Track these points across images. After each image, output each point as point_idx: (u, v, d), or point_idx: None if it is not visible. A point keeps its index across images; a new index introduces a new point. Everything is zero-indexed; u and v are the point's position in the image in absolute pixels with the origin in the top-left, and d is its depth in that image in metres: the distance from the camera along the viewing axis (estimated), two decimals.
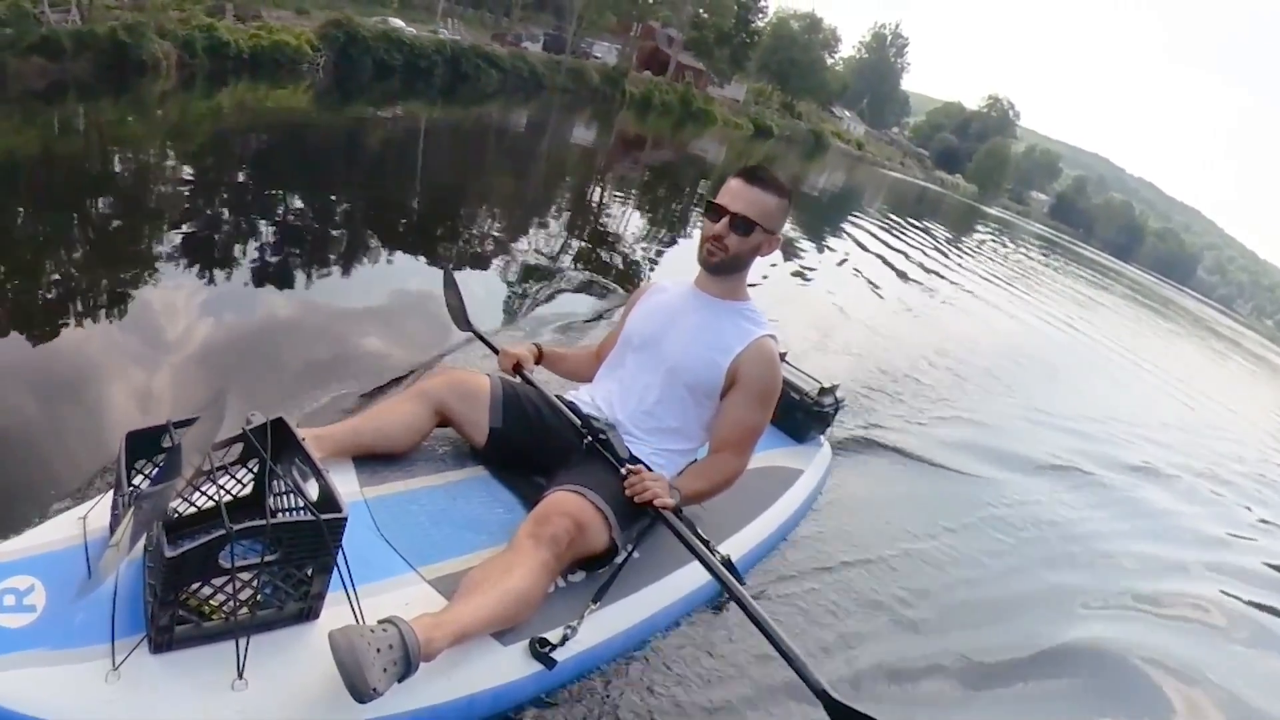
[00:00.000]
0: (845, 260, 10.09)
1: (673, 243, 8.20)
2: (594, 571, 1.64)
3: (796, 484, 2.46)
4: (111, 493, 1.27)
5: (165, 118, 9.87)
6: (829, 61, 56.20)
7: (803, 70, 51.30)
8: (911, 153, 79.60)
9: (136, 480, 1.26)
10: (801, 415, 2.71)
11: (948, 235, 19.92)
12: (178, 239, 4.49)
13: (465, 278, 4.41)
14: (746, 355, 1.70)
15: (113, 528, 1.21)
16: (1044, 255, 27.82)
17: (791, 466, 2.54)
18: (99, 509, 1.32)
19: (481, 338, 2.28)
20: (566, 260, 5.98)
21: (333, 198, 6.58)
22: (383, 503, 1.61)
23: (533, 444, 1.82)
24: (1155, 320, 20.35)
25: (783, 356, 2.86)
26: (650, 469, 1.69)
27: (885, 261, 11.16)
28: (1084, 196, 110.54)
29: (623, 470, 1.63)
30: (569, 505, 1.52)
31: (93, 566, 1.20)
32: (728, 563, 1.76)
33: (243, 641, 1.12)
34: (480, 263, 5.53)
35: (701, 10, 41.29)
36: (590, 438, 1.72)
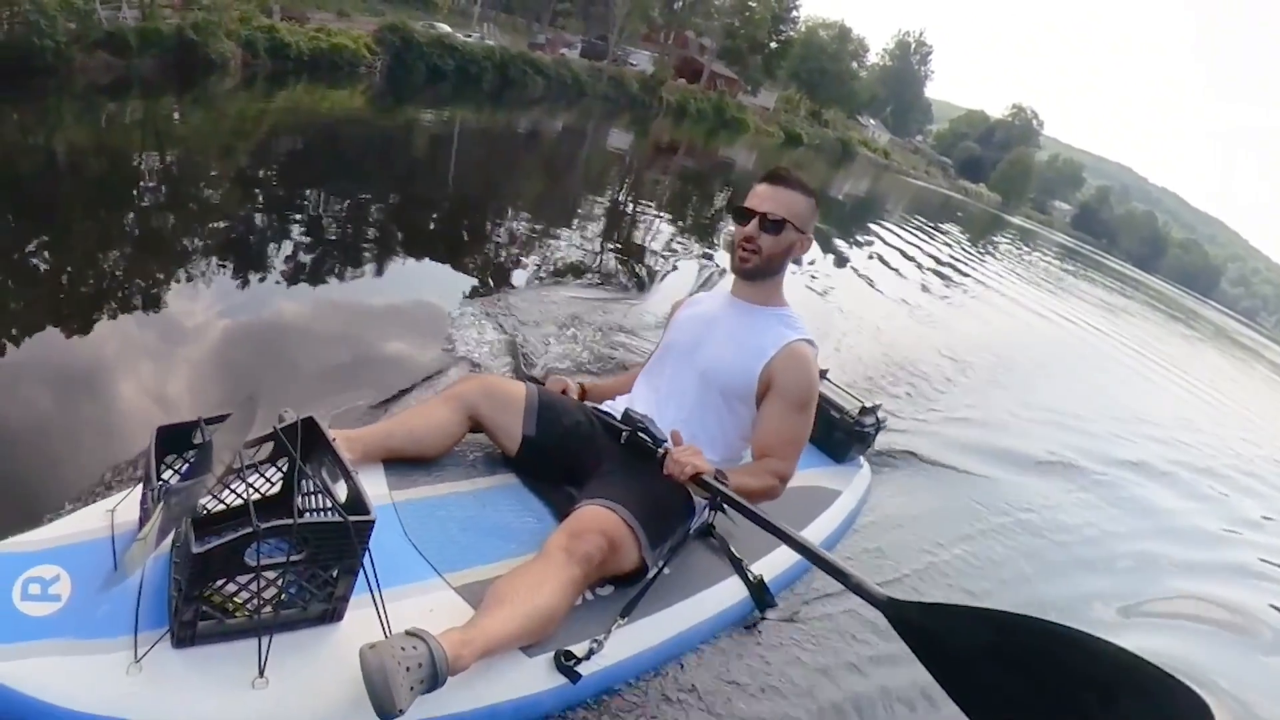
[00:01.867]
0: (871, 262, 9.78)
1: (705, 255, 7.94)
2: (624, 586, 1.55)
3: (834, 505, 2.32)
4: (140, 486, 1.22)
5: (233, 115, 9.93)
6: (858, 71, 55.07)
7: (832, 79, 50.40)
8: (935, 161, 77.81)
9: (166, 475, 1.22)
10: (841, 434, 2.57)
11: (971, 243, 19.43)
12: (223, 237, 4.39)
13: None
14: (780, 359, 1.61)
15: (141, 521, 1.18)
16: (1073, 266, 27.02)
17: (830, 487, 2.40)
18: (127, 502, 1.27)
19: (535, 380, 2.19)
20: (602, 267, 5.76)
21: (384, 200, 6.47)
22: (411, 507, 1.55)
23: (566, 454, 1.73)
24: (1184, 331, 19.61)
25: (824, 374, 2.54)
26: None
27: (912, 264, 10.80)
28: (1107, 207, 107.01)
29: (659, 451, 1.54)
30: (602, 521, 1.44)
31: (119, 559, 1.16)
32: (761, 583, 1.71)
33: (265, 640, 1.08)
34: (515, 266, 5.28)
35: (735, 20, 40.81)
36: (629, 430, 1.62)
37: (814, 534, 2.11)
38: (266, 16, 14.65)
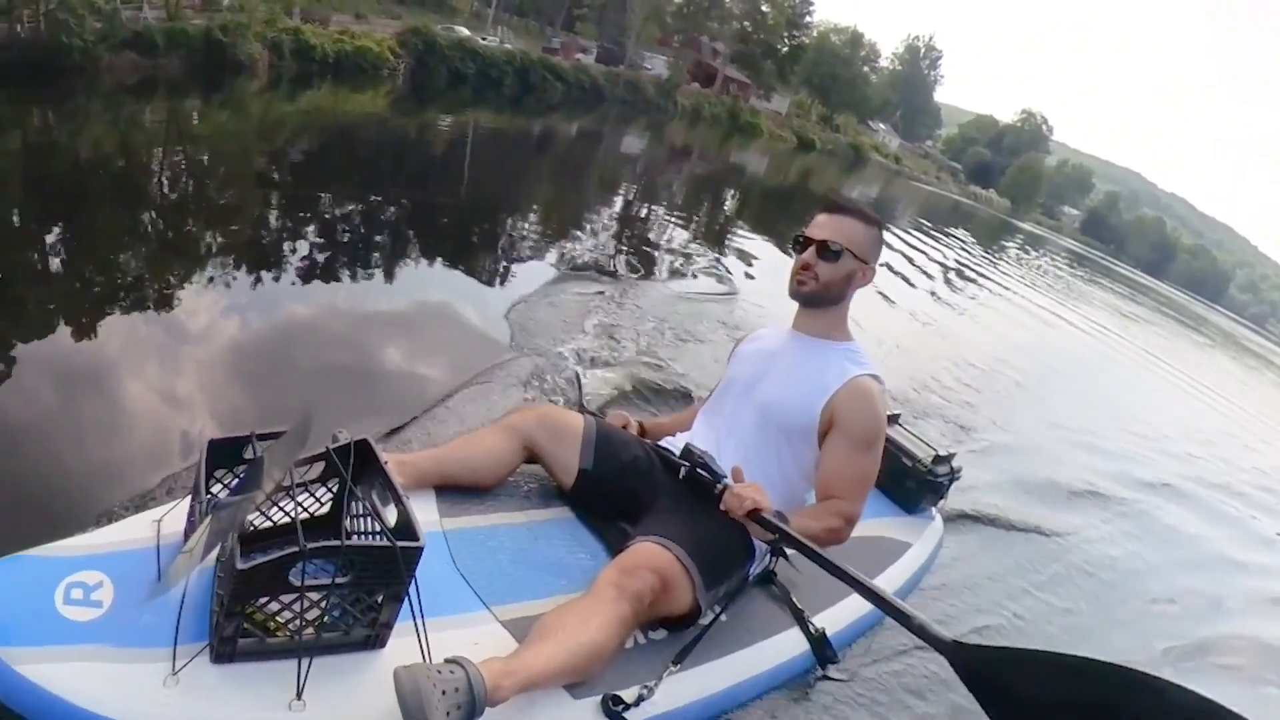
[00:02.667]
0: (882, 269, 9.38)
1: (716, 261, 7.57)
2: (677, 631, 1.47)
3: (903, 558, 2.18)
4: (189, 499, 1.19)
5: (268, 118, 9.76)
6: (870, 76, 54.51)
7: (844, 85, 49.90)
8: (945, 167, 77.07)
9: (215, 489, 1.18)
10: (913, 484, 2.42)
11: (983, 249, 19.19)
12: (275, 246, 4.27)
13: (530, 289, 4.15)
14: (843, 395, 1.52)
15: (187, 534, 1.15)
16: (1084, 272, 26.69)
17: (899, 539, 2.26)
18: (175, 513, 1.24)
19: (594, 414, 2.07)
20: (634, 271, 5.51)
21: (432, 208, 6.31)
22: (461, 536, 1.49)
23: (623, 489, 1.65)
24: (1197, 339, 19.32)
25: (895, 419, 2.48)
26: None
27: (924, 272, 10.35)
28: (1116, 212, 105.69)
29: (718, 487, 1.46)
30: (655, 559, 1.36)
31: (163, 570, 1.13)
32: (822, 637, 1.64)
33: (305, 662, 1.05)
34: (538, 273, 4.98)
35: (747, 24, 40.47)
36: (688, 465, 1.53)
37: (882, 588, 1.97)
38: (288, 18, 14.45)
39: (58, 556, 1.10)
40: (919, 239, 14.49)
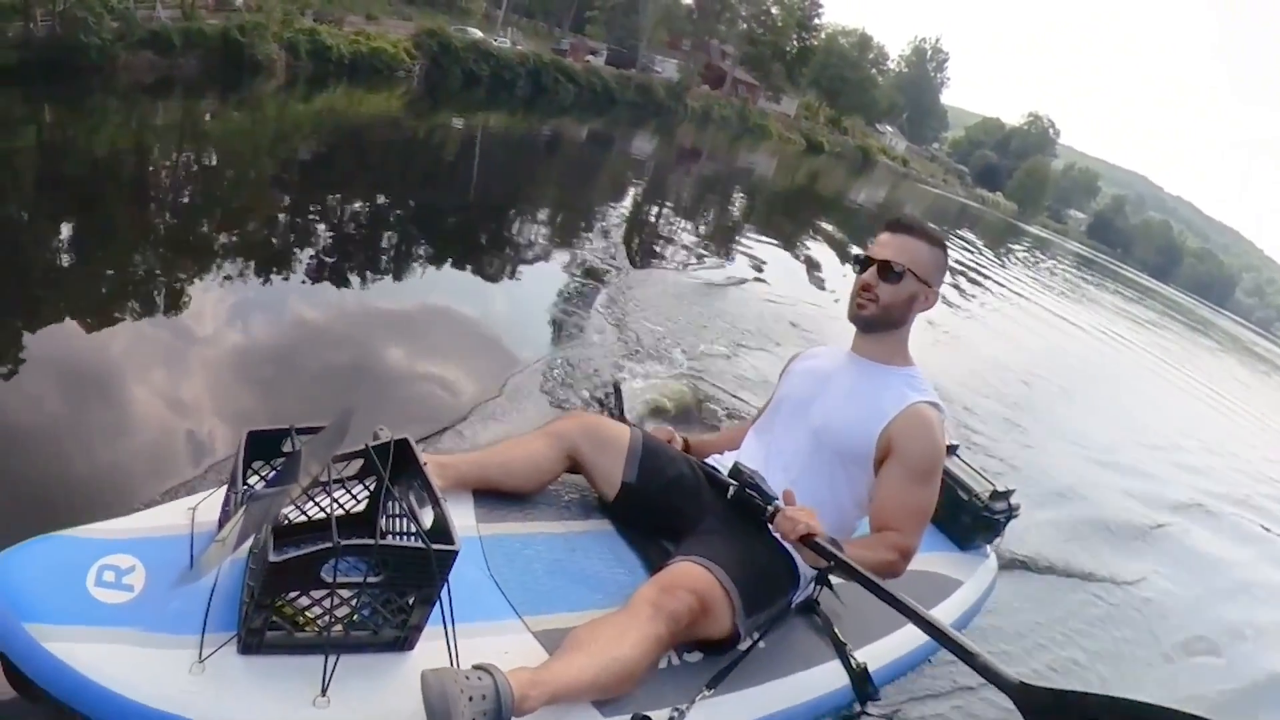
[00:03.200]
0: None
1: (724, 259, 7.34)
2: (713, 655, 1.40)
3: (953, 596, 2.08)
4: (224, 488, 1.18)
5: (288, 118, 9.67)
6: (877, 79, 54.05)
7: (852, 87, 49.51)
8: (952, 169, 76.55)
9: (251, 480, 1.16)
10: (968, 519, 2.31)
11: (992, 252, 18.99)
12: (310, 246, 4.15)
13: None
14: (900, 421, 1.44)
15: (221, 523, 1.13)
16: (1092, 276, 26.37)
17: (949, 575, 2.16)
18: (210, 502, 1.22)
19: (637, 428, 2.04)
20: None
21: (459, 216, 6.16)
22: (498, 542, 1.45)
23: (666, 505, 1.59)
24: (1209, 344, 19.15)
25: (953, 449, 2.38)
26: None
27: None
28: (1122, 216, 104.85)
29: (769, 509, 1.39)
30: (695, 579, 1.31)
31: (195, 558, 1.11)
32: (864, 672, 1.56)
33: (332, 659, 1.02)
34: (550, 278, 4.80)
35: (756, 26, 40.19)
36: (737, 485, 1.45)
37: None
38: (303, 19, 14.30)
39: (92, 538, 1.10)
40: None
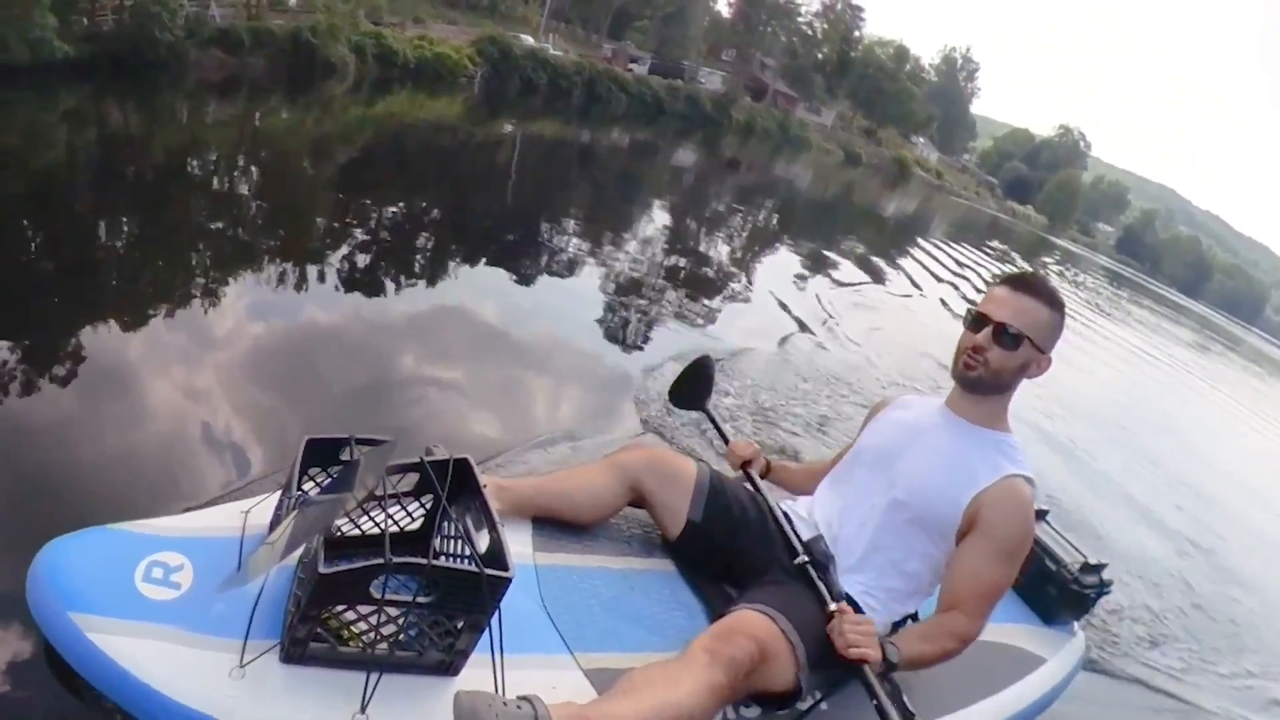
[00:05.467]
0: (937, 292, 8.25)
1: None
2: (771, 710, 1.24)
3: (1035, 673, 1.84)
4: (279, 493, 1.13)
5: (361, 120, 9.17)
6: (915, 91, 52.11)
7: (889, 98, 47.81)
8: (983, 181, 74.04)
9: (306, 486, 1.09)
10: (1055, 591, 2.07)
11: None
12: (405, 253, 4.03)
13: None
14: (993, 493, 1.26)
15: (272, 527, 1.05)
16: (1128, 293, 25.45)
17: (1032, 650, 1.92)
18: (262, 507, 1.15)
19: (715, 423, 1.82)
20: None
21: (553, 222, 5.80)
22: (554, 573, 1.33)
23: (731, 548, 1.45)
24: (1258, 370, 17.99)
25: (1042, 515, 2.15)
26: (861, 610, 1.30)
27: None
28: (1151, 230, 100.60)
29: (831, 607, 1.23)
30: (757, 628, 1.16)
31: (244, 561, 0.99)
32: None
33: (374, 676, 0.96)
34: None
35: (798, 39, 39.05)
36: (806, 559, 1.31)
37: (1003, 706, 1.67)
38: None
39: (144, 534, 1.06)
40: (970, 253, 13.69)
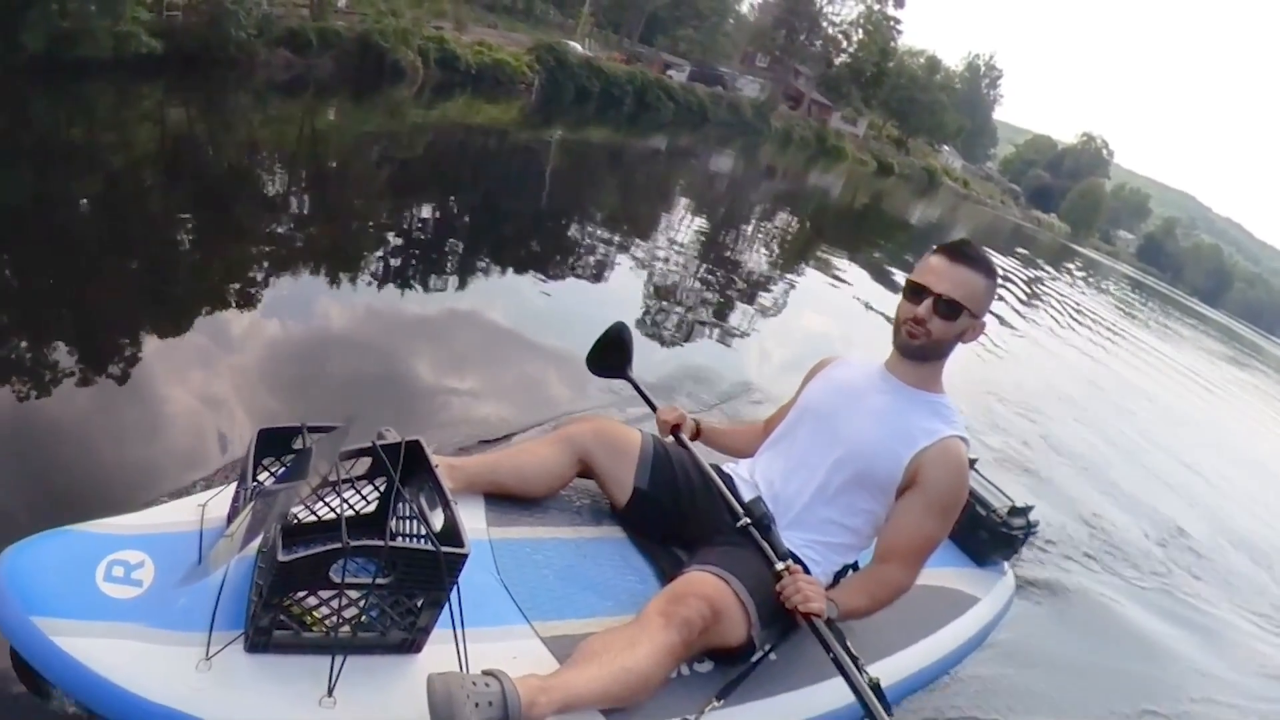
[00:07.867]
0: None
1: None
2: (724, 665, 1.25)
3: (969, 612, 1.85)
4: (234, 485, 1.07)
5: (438, 123, 8.66)
6: (947, 102, 50.22)
7: (921, 108, 46.08)
8: (1007, 190, 71.53)
9: (261, 477, 1.05)
10: (986, 534, 2.06)
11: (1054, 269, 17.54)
12: (380, 248, 3.80)
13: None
14: (931, 453, 1.27)
15: (230, 519, 1.00)
16: (1154, 304, 24.54)
17: (965, 591, 1.91)
18: (219, 499, 1.10)
19: (640, 390, 1.77)
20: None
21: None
22: (508, 547, 1.32)
23: (678, 512, 1.45)
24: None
25: (972, 464, 2.15)
26: (804, 564, 1.30)
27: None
28: (1172, 238, 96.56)
29: (777, 566, 1.23)
30: (708, 588, 1.18)
31: (204, 554, 1.01)
32: (876, 687, 1.24)
33: (339, 659, 0.94)
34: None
35: (835, 49, 37.73)
36: (748, 520, 1.30)
37: (942, 643, 1.72)
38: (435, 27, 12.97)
39: (103, 533, 1.02)
40: (996, 258, 13.03)
